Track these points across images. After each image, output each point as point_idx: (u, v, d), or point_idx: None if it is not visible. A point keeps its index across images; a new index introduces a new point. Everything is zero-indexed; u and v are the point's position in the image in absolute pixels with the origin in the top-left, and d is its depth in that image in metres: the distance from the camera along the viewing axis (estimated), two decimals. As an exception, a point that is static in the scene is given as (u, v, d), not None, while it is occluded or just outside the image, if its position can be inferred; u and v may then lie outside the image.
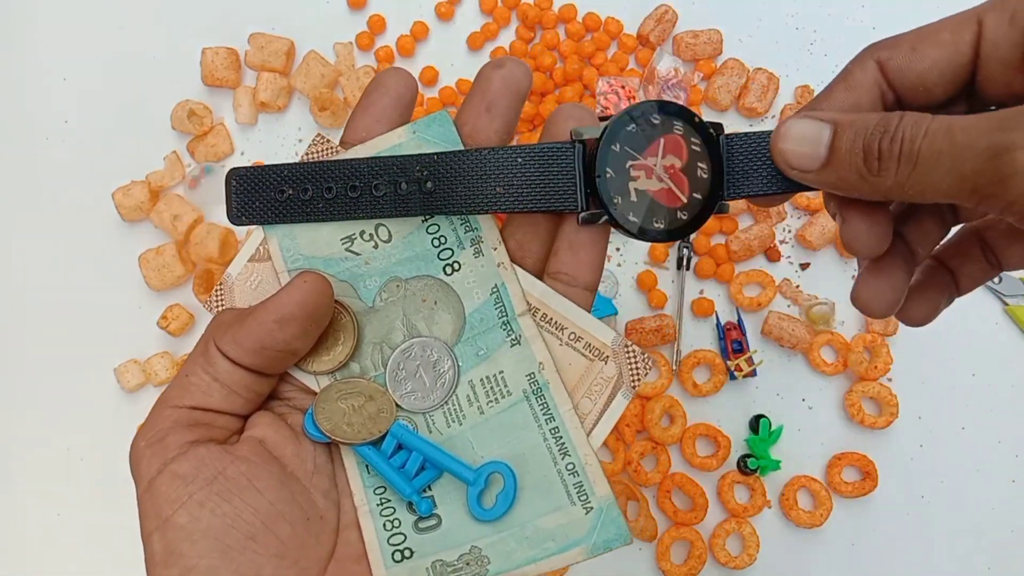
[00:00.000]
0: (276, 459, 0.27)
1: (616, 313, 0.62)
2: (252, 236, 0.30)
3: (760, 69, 0.65)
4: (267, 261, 0.30)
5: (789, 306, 0.64)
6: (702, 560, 0.59)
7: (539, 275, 0.30)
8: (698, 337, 0.63)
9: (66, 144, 0.67)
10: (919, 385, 0.62)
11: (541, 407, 0.29)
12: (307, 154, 0.30)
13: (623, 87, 0.64)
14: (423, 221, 0.29)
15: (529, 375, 0.29)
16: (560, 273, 0.29)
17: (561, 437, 0.28)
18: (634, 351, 0.29)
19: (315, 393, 0.29)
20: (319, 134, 0.31)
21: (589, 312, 0.29)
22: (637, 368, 0.29)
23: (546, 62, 0.65)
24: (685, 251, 0.63)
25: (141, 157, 0.65)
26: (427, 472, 0.28)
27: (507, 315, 0.29)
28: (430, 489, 0.29)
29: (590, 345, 0.29)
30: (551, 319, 0.29)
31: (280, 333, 0.26)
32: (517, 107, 0.29)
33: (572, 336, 0.29)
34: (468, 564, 0.28)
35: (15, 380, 0.65)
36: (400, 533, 0.28)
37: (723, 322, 0.63)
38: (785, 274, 0.64)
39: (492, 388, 0.29)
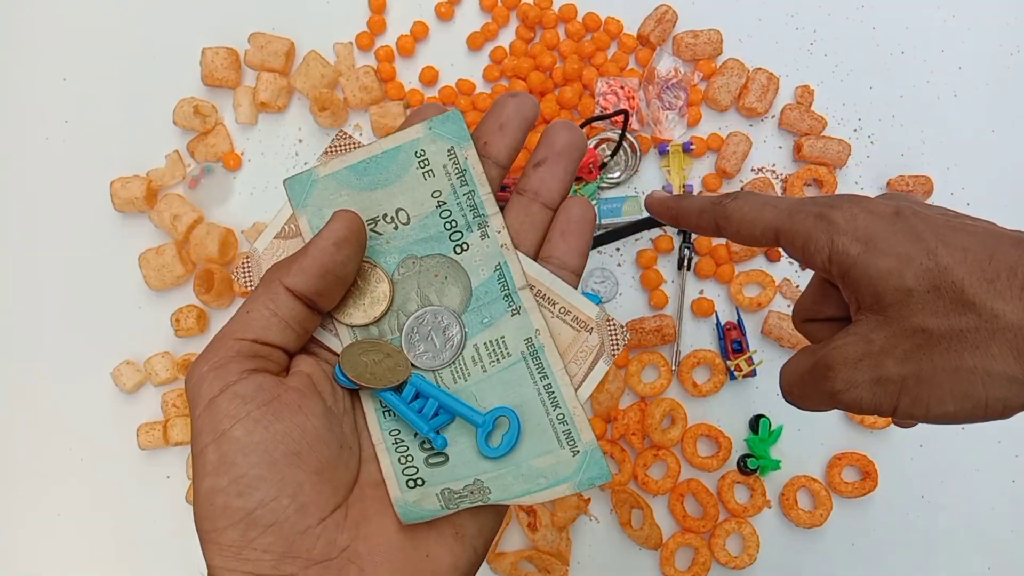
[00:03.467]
0: (319, 393, 0.31)
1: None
2: (280, 213, 0.33)
3: (760, 69, 0.65)
4: (294, 238, 0.33)
5: (789, 306, 0.63)
6: (706, 568, 0.59)
7: (533, 259, 0.34)
8: (698, 337, 0.63)
9: (66, 145, 0.67)
10: (919, 385, 0.62)
11: (536, 366, 0.33)
12: (330, 147, 0.34)
13: (622, 87, 0.64)
14: (436, 207, 0.33)
15: (527, 339, 0.33)
16: (552, 257, 0.34)
17: (553, 392, 0.33)
18: (614, 324, 0.34)
19: (338, 354, 0.33)
20: (342, 130, 0.35)
21: (576, 291, 0.34)
22: (616, 339, 0.34)
23: (546, 62, 0.65)
24: (686, 251, 0.63)
25: (141, 158, 0.65)
26: (440, 417, 0.32)
27: (509, 288, 0.33)
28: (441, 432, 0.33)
29: (577, 318, 0.34)
30: (544, 295, 0.34)
31: (339, 254, 0.30)
32: (525, 129, 0.34)
33: (562, 310, 0.34)
34: (472, 493, 0.31)
35: (16, 380, 0.65)
36: (413, 466, 0.32)
37: (723, 322, 0.63)
38: (785, 274, 0.64)
39: (494, 350, 0.33)
